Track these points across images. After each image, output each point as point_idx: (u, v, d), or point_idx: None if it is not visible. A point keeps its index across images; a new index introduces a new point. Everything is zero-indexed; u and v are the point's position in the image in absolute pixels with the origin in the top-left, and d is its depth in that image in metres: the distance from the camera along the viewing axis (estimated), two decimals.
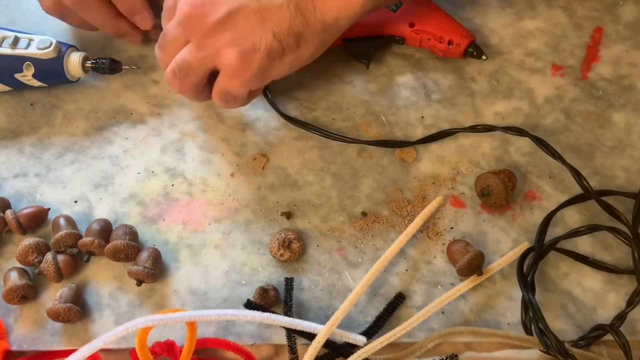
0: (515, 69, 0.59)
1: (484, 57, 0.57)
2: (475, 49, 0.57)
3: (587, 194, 0.51)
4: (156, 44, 0.51)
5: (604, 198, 0.51)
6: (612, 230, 0.48)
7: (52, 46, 0.54)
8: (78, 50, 0.56)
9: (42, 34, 0.55)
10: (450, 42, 0.57)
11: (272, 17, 0.47)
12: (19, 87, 0.56)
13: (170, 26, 0.49)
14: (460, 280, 0.49)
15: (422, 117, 0.57)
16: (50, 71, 0.54)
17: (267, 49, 0.47)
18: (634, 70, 0.59)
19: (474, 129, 0.54)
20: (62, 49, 0.55)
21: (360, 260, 0.50)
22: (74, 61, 0.55)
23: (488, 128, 0.54)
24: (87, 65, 0.55)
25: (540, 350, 0.46)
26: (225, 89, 0.49)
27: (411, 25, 0.57)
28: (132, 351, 0.45)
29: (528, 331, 0.46)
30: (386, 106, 0.57)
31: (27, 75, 0.54)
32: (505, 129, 0.54)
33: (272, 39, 0.47)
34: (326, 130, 0.54)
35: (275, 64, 0.48)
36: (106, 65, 0.55)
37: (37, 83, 0.55)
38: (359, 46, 0.58)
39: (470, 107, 0.57)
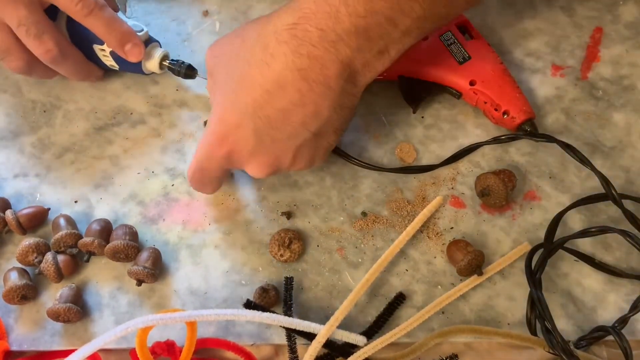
0: (515, 69, 0.59)
1: (535, 139, 0.53)
2: (531, 126, 0.53)
3: (613, 200, 0.49)
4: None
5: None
6: (624, 233, 0.47)
7: (143, 33, 0.54)
8: (160, 46, 0.56)
9: None
10: (505, 113, 0.53)
11: (327, 132, 0.46)
12: (92, 59, 0.55)
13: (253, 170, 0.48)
14: (460, 280, 0.49)
15: (422, 117, 0.57)
16: None
17: (330, 148, 0.49)
18: (634, 70, 0.59)
19: (497, 140, 0.53)
20: (150, 41, 0.55)
21: (360, 260, 0.50)
22: (154, 55, 0.55)
23: (512, 137, 0.53)
24: (164, 63, 0.55)
25: (544, 349, 0.46)
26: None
27: (472, 83, 0.54)
28: (132, 351, 0.45)
29: (532, 329, 0.46)
30: (386, 106, 0.57)
31: (105, 50, 0.54)
32: (531, 135, 0.53)
33: (333, 141, 0.48)
34: (353, 157, 0.53)
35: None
36: (182, 70, 0.55)
37: (110, 61, 0.55)
38: (413, 88, 0.56)
39: (470, 107, 0.57)
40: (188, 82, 0.58)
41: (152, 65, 0.55)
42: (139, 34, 0.53)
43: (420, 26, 0.44)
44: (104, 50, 0.54)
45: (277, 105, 0.43)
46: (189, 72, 0.55)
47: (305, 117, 0.44)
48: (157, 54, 0.55)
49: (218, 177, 0.49)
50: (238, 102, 0.44)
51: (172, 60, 0.56)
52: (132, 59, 0.53)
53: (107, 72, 0.58)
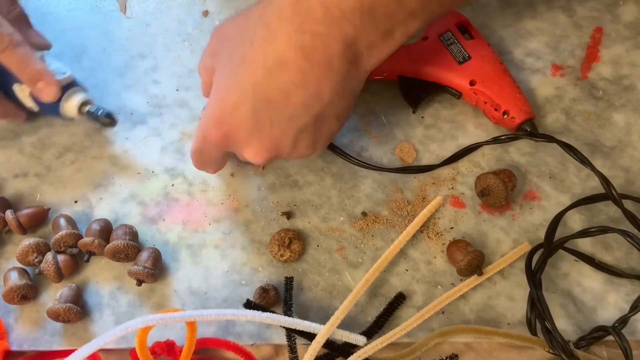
0: (515, 69, 0.59)
1: (535, 139, 0.53)
2: (531, 126, 0.53)
3: (613, 200, 0.49)
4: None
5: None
6: (624, 233, 0.47)
7: (65, 76, 0.52)
8: (85, 92, 0.53)
9: None
10: (505, 113, 0.53)
11: (328, 117, 0.45)
12: (10, 99, 0.53)
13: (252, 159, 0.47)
14: (460, 280, 0.49)
15: (422, 117, 0.57)
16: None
17: (332, 135, 0.48)
18: (634, 70, 0.59)
19: (497, 140, 0.53)
20: (72, 85, 0.53)
21: (360, 260, 0.50)
22: (72, 102, 0.52)
23: (512, 137, 0.53)
24: (83, 109, 0.53)
25: (544, 349, 0.46)
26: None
27: (472, 83, 0.54)
28: (132, 351, 0.45)
29: (532, 329, 0.46)
30: (386, 106, 0.57)
31: (25, 91, 0.52)
32: (531, 135, 0.53)
33: (335, 128, 0.47)
34: (353, 157, 0.53)
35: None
36: (100, 118, 0.53)
37: (30, 103, 0.53)
38: (413, 88, 0.55)
39: (470, 107, 0.57)
40: (189, 82, 0.58)
41: (70, 109, 0.53)
42: (61, 76, 0.51)
43: (426, 8, 0.42)
44: (24, 90, 0.52)
45: (278, 86, 0.42)
46: (106, 120, 0.53)
47: (306, 98, 0.43)
48: (78, 98, 0.52)
49: (217, 158, 0.49)
50: (238, 82, 0.43)
51: (93, 107, 0.53)
52: (45, 97, 0.51)
53: (107, 72, 0.58)
